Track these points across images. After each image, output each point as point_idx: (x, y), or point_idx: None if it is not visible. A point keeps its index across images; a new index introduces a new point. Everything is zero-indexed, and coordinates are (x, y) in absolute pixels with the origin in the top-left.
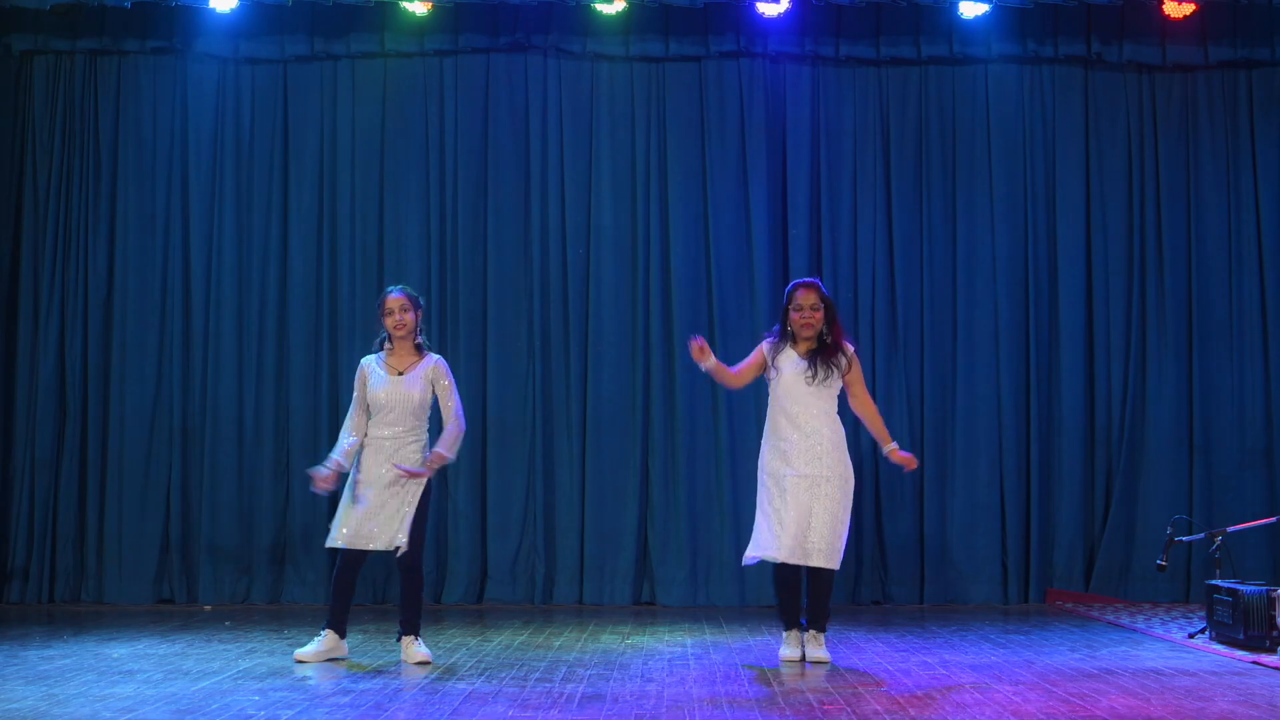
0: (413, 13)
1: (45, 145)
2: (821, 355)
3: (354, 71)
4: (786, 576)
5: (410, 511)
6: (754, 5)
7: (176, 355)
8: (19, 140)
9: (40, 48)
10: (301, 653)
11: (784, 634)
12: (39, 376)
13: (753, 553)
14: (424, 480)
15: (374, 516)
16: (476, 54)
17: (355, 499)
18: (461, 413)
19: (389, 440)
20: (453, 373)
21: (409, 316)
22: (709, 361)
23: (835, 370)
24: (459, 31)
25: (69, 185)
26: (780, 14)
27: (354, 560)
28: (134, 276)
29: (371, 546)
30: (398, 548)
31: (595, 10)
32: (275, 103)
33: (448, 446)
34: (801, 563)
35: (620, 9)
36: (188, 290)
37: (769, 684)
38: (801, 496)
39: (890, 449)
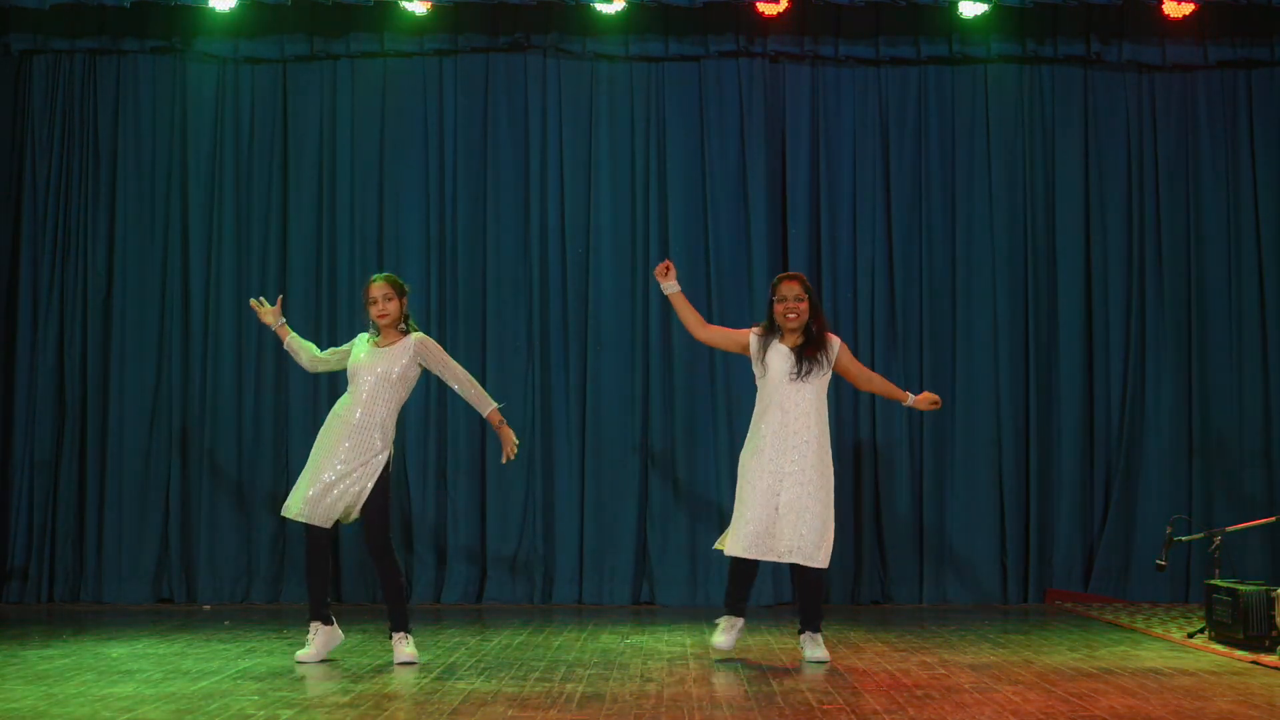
0: (412, 13)
1: (45, 145)
2: (807, 349)
3: (354, 71)
4: (741, 566)
5: (367, 488)
6: (754, 5)
7: (176, 355)
8: (18, 140)
9: (40, 47)
10: (302, 655)
11: (722, 619)
12: (38, 376)
13: (718, 545)
14: (383, 461)
15: (328, 493)
16: (476, 54)
17: (315, 474)
18: (464, 369)
19: (353, 417)
20: None
21: (392, 305)
22: (671, 285)
23: (821, 364)
24: (459, 31)
25: (68, 185)
26: (780, 14)
27: (320, 539)
28: (133, 276)
29: (331, 521)
30: (353, 520)
31: (595, 10)
32: (274, 102)
33: (488, 402)
34: (764, 558)
35: (620, 9)
36: (187, 290)
37: (769, 684)
38: (774, 491)
39: (910, 400)
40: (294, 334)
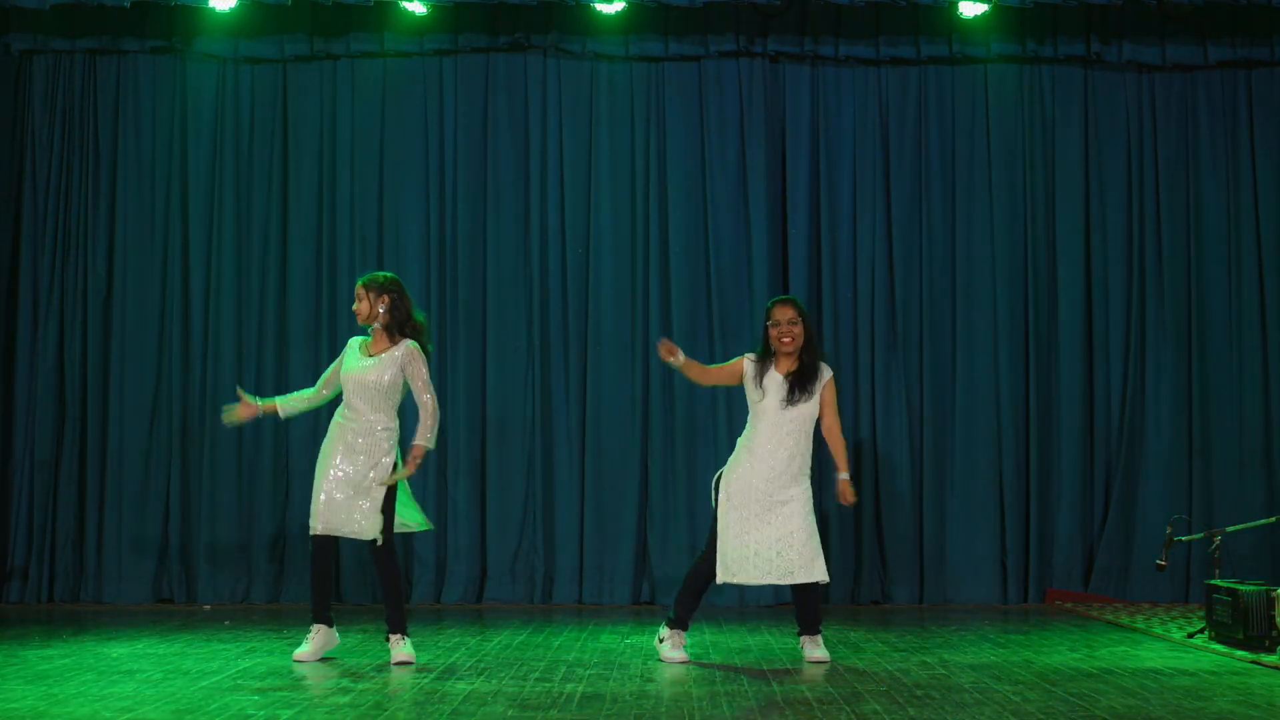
0: (412, 13)
1: (45, 145)
2: (800, 378)
3: (354, 71)
4: (700, 586)
5: (378, 499)
6: (753, 5)
7: (176, 355)
8: (18, 140)
9: (40, 47)
10: (300, 653)
11: (672, 632)
12: (38, 376)
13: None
14: (390, 464)
15: (340, 505)
16: (476, 54)
17: (322, 484)
18: (432, 399)
19: (354, 425)
20: (449, 367)
21: (363, 305)
22: (679, 359)
23: (811, 393)
24: (459, 31)
25: (68, 185)
26: (780, 14)
27: (325, 546)
28: (133, 276)
29: (341, 533)
30: (373, 540)
31: (595, 10)
32: (274, 103)
33: (425, 437)
34: (763, 581)
35: (620, 9)
36: (187, 290)
37: (769, 684)
38: (766, 521)
39: (842, 478)
40: (278, 400)
